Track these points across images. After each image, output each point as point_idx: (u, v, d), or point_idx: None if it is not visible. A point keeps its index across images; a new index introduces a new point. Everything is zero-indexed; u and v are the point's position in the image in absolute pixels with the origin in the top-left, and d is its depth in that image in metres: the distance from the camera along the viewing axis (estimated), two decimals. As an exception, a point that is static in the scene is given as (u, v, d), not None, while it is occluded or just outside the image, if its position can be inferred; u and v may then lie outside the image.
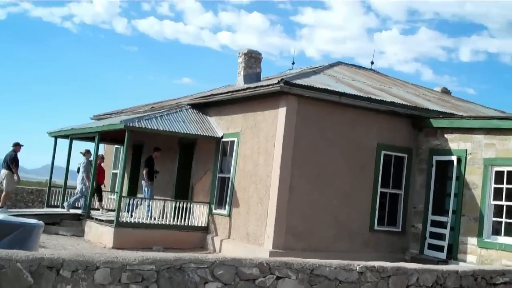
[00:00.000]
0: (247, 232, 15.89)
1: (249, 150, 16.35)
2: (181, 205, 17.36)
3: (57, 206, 20.51)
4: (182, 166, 19.22)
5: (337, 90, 15.69)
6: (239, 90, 16.43)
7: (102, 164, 20.13)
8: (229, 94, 16.71)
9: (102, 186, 20.51)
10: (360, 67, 21.78)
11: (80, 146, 24.91)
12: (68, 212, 18.84)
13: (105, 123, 18.78)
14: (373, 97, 16.21)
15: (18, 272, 4.84)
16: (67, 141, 21.54)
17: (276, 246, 14.95)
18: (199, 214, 17.50)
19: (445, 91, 22.63)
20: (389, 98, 16.74)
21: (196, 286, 5.52)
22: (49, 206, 20.80)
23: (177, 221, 17.15)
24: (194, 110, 18.51)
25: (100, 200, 19.56)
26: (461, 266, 8.14)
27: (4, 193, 18.36)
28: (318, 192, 15.53)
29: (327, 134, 15.70)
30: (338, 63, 20.77)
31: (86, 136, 20.81)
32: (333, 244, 15.67)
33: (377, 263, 6.55)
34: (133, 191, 21.41)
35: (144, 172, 18.38)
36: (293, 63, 23.81)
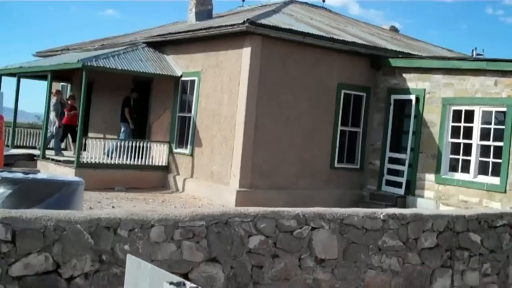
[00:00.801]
0: (211, 171, 15.98)
1: (211, 89, 16.27)
2: (140, 145, 17.23)
3: (6, 146, 19.92)
4: (137, 105, 18.93)
5: (301, 30, 15.70)
6: (201, 29, 16.18)
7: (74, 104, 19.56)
8: (191, 33, 16.44)
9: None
10: (312, 5, 21.74)
11: (26, 84, 23.85)
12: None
13: (59, 61, 18.16)
14: (335, 37, 16.32)
15: (78, 234, 4.79)
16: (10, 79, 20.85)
17: (243, 185, 15.14)
18: (159, 154, 17.43)
19: (394, 29, 22.97)
20: (349, 38, 16.91)
21: (241, 239, 5.61)
22: (-3, 146, 20.16)
23: (137, 161, 17.06)
24: (151, 49, 18.16)
25: (74, 141, 19.22)
26: (467, 210, 8.53)
27: None
28: (282, 131, 15.71)
29: (290, 73, 15.77)
30: (291, 2, 20.65)
31: (35, 75, 20.13)
32: (297, 181, 15.99)
33: (397, 211, 6.81)
34: (84, 130, 20.99)
35: (126, 111, 18.10)
36: (243, 0, 23.52)
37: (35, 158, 18.22)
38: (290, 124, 15.85)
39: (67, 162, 16.85)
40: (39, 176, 5.67)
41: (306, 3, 21.43)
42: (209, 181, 15.96)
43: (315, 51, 16.05)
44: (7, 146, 18.44)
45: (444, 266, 7.10)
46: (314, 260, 6.09)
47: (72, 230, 4.78)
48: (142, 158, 17.15)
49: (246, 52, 15.24)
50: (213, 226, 5.45)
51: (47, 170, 17.35)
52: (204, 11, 20.88)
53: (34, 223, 4.63)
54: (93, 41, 23.02)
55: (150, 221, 5.15)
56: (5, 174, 5.53)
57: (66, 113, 18.73)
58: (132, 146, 17.08)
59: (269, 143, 15.50)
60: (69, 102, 19.18)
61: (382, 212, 6.62)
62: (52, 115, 18.38)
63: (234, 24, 15.04)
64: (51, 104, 18.51)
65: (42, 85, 20.42)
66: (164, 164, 17.38)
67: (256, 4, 23.19)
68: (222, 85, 15.91)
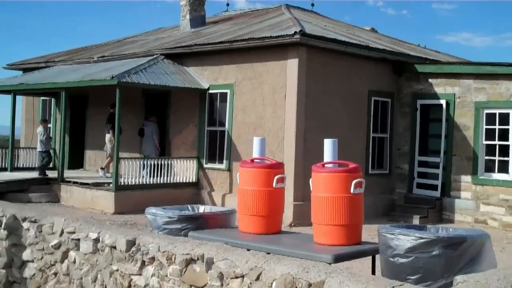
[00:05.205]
0: (257, 186, 15.64)
1: (249, 102, 15.92)
2: (167, 162, 16.58)
3: (4, 169, 18.42)
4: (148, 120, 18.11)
5: (343, 40, 15.75)
6: (239, 40, 15.75)
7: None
8: (227, 44, 15.95)
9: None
10: (306, 10, 21.73)
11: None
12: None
13: (76, 77, 16.94)
14: (370, 44, 16.51)
15: None
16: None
17: (296, 199, 15.01)
18: (187, 170, 16.84)
19: (373, 30, 23.45)
20: (378, 45, 17.15)
21: None
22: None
23: (166, 178, 16.40)
24: (170, 61, 17.44)
25: None
26: None
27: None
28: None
29: (329, 83, 15.78)
30: (288, 6, 20.53)
31: (35, 92, 18.79)
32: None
33: None
34: (80, 147, 19.90)
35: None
36: (227, 5, 23.15)
37: (50, 182, 17.01)
38: (331, 134, 15.61)
39: (97, 185, 15.93)
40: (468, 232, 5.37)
41: (298, 7, 21.38)
42: (255, 196, 15.63)
43: (348, 59, 16.14)
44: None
45: None
46: None
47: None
48: (170, 175, 16.51)
49: (292, 64, 15.05)
50: None
51: (72, 194, 16.35)
52: (197, 17, 20.49)
53: None
54: (74, 51, 21.77)
55: None
56: (459, 232, 5.20)
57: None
58: (158, 163, 16.38)
59: (315, 155, 15.28)
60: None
61: None
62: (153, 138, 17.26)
63: (284, 35, 14.78)
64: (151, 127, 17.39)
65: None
66: (193, 181, 16.83)
67: (241, 9, 22.88)
68: (263, 98, 15.61)
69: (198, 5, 20.45)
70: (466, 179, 16.24)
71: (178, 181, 16.61)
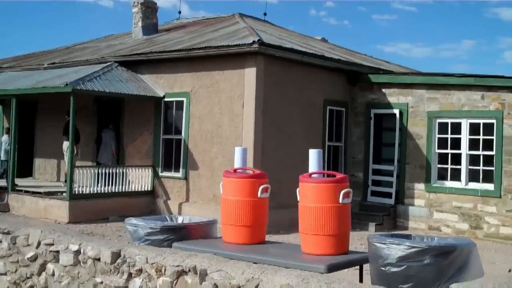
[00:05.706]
0: (214, 195, 15.54)
1: (206, 110, 15.84)
2: (122, 170, 16.33)
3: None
4: (103, 128, 17.82)
5: (300, 49, 15.84)
6: (196, 49, 15.64)
7: None
8: (184, 52, 15.81)
9: None
10: (259, 19, 21.77)
11: None
12: None
13: (26, 84, 16.50)
14: (326, 54, 16.66)
15: None
16: None
17: (255, 207, 14.93)
18: (143, 178, 16.61)
19: (324, 40, 23.69)
20: (333, 56, 17.32)
21: None
22: None
23: (122, 187, 16.14)
24: (124, 68, 17.18)
25: None
26: None
27: None
28: (282, 151, 15.72)
29: (286, 93, 15.85)
30: (241, 15, 20.54)
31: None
32: (296, 199, 16.05)
33: None
34: (29, 155, 19.38)
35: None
36: (179, 12, 23.02)
37: (0, 190, 16.49)
38: (288, 143, 15.91)
39: (50, 194, 15.54)
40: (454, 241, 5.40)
41: (251, 16, 21.40)
42: (213, 205, 15.51)
43: (304, 69, 16.25)
44: None
45: None
46: None
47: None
48: (125, 184, 16.26)
49: (250, 72, 15.04)
50: None
51: (23, 204, 15.90)
52: (150, 25, 20.32)
53: None
54: (21, 57, 21.22)
55: None
56: (448, 241, 5.22)
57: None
58: (112, 172, 16.10)
59: (273, 164, 15.42)
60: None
61: None
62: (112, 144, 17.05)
63: (242, 45, 14.76)
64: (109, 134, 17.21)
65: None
66: (149, 189, 16.61)
67: (200, 16, 22.75)
68: (221, 106, 15.55)
69: (150, 13, 20.28)
70: (419, 187, 16.54)
71: (133, 190, 16.36)
